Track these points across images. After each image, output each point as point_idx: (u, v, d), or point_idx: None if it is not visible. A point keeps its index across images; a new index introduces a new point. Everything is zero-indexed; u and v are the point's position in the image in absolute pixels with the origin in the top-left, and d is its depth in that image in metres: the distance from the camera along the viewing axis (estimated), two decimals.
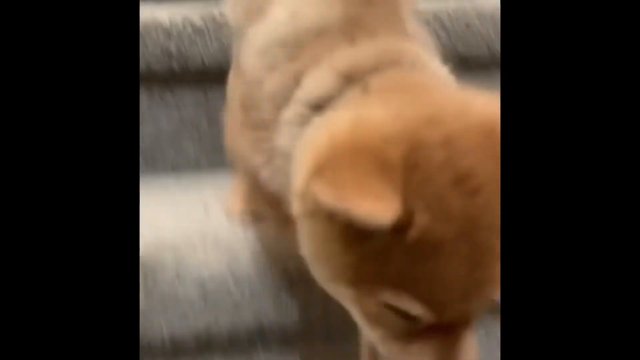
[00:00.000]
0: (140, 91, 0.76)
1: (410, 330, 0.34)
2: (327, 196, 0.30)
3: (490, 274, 0.33)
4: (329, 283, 0.37)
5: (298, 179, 0.36)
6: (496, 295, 0.34)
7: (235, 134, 0.48)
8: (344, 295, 0.36)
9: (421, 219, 0.31)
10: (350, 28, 0.40)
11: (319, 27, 0.41)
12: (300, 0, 0.43)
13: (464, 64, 0.48)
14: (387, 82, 0.38)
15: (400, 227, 0.31)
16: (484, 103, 0.35)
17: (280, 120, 0.40)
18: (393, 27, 0.42)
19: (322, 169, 0.32)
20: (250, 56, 0.43)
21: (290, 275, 0.55)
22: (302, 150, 0.37)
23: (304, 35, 0.41)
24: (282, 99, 0.40)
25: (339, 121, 0.35)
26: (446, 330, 0.34)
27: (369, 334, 0.38)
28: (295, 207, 0.36)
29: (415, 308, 0.32)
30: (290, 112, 0.40)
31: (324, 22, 0.41)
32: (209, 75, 0.78)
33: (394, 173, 0.31)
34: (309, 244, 0.36)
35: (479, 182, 0.32)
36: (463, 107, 0.35)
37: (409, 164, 0.31)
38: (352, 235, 0.32)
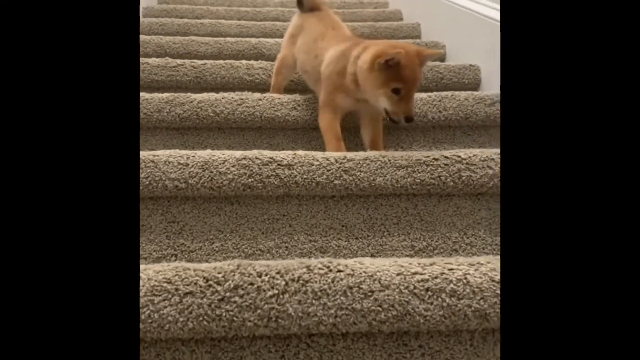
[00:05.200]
0: None
1: (397, 99, 1.03)
2: (379, 60, 1.03)
3: (417, 73, 1.05)
4: (378, 89, 1.05)
5: (364, 64, 1.06)
6: (418, 84, 1.06)
7: (333, 91, 1.16)
8: (378, 93, 1.05)
9: (403, 60, 1.02)
10: (351, 45, 1.16)
11: (344, 49, 1.16)
12: (335, 45, 1.21)
13: None
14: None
15: (398, 62, 1.01)
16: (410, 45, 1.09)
17: (344, 71, 1.13)
18: (356, 39, 1.24)
19: (373, 58, 1.04)
20: (327, 65, 1.18)
21: None
22: (361, 62, 1.07)
23: (343, 52, 1.16)
24: (343, 69, 1.14)
25: (382, 47, 1.07)
26: (406, 97, 1.04)
27: (386, 104, 1.05)
28: (364, 71, 1.06)
29: (400, 85, 1.03)
30: (351, 66, 1.11)
31: (344, 48, 1.16)
32: None
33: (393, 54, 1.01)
34: (370, 80, 1.05)
35: (412, 59, 1.04)
36: (409, 44, 1.11)
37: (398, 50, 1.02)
38: (384, 69, 1.02)
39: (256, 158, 0.95)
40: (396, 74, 1.02)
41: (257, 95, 1.27)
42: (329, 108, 1.16)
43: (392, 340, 0.68)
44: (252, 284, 0.65)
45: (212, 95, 1.25)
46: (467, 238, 0.99)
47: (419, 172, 0.98)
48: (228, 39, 1.78)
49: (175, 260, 0.93)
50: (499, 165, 0.98)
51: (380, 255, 0.97)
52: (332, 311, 0.65)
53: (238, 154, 0.95)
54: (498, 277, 0.68)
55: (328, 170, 0.96)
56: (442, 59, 1.85)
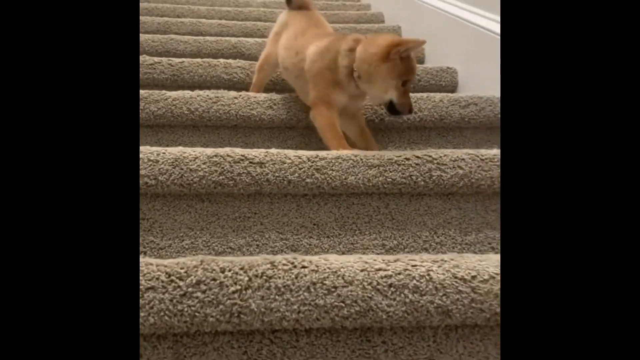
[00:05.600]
0: None
1: (403, 91, 1.07)
2: (398, 49, 1.04)
3: (414, 67, 1.09)
4: (386, 81, 1.06)
5: (374, 53, 1.06)
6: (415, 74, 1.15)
7: (326, 87, 1.14)
8: (390, 85, 1.07)
9: (411, 53, 1.06)
10: (335, 39, 1.17)
11: (328, 44, 1.17)
12: (316, 41, 1.19)
13: None
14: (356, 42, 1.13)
15: (402, 56, 1.04)
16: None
17: (334, 65, 1.13)
18: (338, 33, 1.26)
19: (388, 48, 1.05)
20: (314, 61, 1.17)
21: None
22: (367, 53, 1.08)
23: (327, 47, 1.16)
24: (332, 63, 1.13)
25: (386, 40, 1.07)
26: (408, 89, 1.09)
27: (395, 96, 1.07)
28: (374, 62, 1.06)
29: (410, 77, 1.08)
30: (342, 59, 1.12)
31: (328, 43, 1.17)
32: None
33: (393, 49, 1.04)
34: (381, 71, 1.05)
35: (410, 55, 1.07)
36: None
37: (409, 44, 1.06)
38: (391, 61, 1.04)
39: (228, 155, 0.95)
40: (407, 65, 1.05)
41: (233, 93, 1.27)
42: (324, 105, 1.13)
43: (355, 337, 0.68)
44: (214, 279, 0.65)
45: (187, 93, 1.25)
46: (437, 237, 0.99)
47: (391, 172, 0.98)
48: (208, 37, 1.77)
49: (144, 257, 0.93)
50: (469, 166, 0.99)
51: (351, 254, 0.97)
52: (295, 307, 0.65)
53: (209, 151, 0.95)
54: (461, 274, 0.68)
55: (300, 169, 0.96)
56: (421, 61, 1.87)
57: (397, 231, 0.99)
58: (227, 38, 1.79)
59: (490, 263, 0.70)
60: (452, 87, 1.60)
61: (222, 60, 1.51)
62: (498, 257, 0.72)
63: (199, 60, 1.50)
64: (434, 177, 0.98)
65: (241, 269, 0.66)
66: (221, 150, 0.95)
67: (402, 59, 1.04)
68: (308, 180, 0.96)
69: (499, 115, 1.31)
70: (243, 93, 1.28)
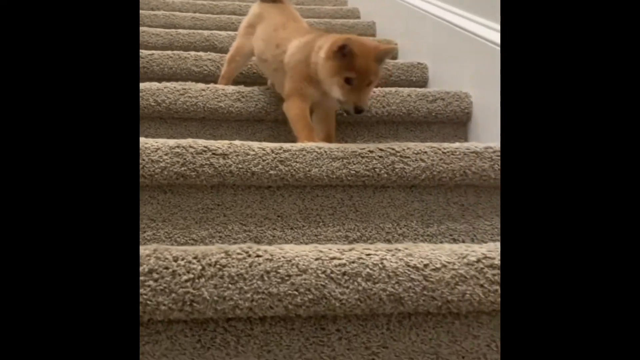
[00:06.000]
0: None
1: (349, 89, 1.06)
2: (332, 48, 1.07)
3: (371, 66, 1.06)
4: (330, 77, 1.07)
5: (323, 53, 1.09)
6: (373, 77, 1.08)
7: (300, 80, 1.15)
8: (332, 82, 1.07)
9: (355, 49, 1.04)
10: (315, 36, 1.18)
11: (309, 40, 1.18)
12: (299, 36, 1.22)
13: None
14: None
15: (351, 52, 1.04)
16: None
17: (309, 60, 1.14)
18: (317, 31, 1.25)
19: (330, 47, 1.07)
20: (292, 55, 1.19)
21: None
22: (321, 52, 1.10)
23: (307, 42, 1.17)
24: (307, 58, 1.14)
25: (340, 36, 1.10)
26: (358, 88, 1.06)
27: (338, 93, 1.07)
28: (321, 60, 1.09)
29: (352, 75, 1.05)
30: (315, 56, 1.12)
31: (308, 39, 1.18)
32: None
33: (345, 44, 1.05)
34: (325, 68, 1.08)
35: (367, 52, 1.06)
36: (365, 38, 1.18)
37: (352, 41, 1.05)
38: (338, 58, 1.05)
39: (190, 146, 0.94)
40: (349, 63, 1.04)
41: (201, 85, 1.26)
42: (298, 97, 1.15)
43: (309, 325, 0.69)
44: (167, 267, 0.65)
45: (154, 85, 1.24)
46: (400, 229, 1.01)
47: (354, 164, 0.99)
48: (180, 30, 1.76)
49: None
50: (432, 158, 1.00)
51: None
52: (249, 295, 0.65)
53: (171, 142, 0.95)
54: (413, 262, 0.69)
55: (264, 161, 0.96)
56: (394, 56, 1.88)
57: (361, 223, 1.00)
58: (200, 31, 1.78)
59: (442, 252, 0.71)
60: (423, 82, 1.62)
61: (192, 52, 1.50)
62: (451, 246, 0.74)
63: (169, 52, 1.49)
64: (396, 170, 0.99)
65: (194, 257, 0.66)
66: (183, 141, 0.95)
67: (343, 57, 1.04)
68: (272, 172, 0.96)
69: (466, 110, 1.33)
70: (211, 85, 1.28)
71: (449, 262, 0.70)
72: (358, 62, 1.04)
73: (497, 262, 0.71)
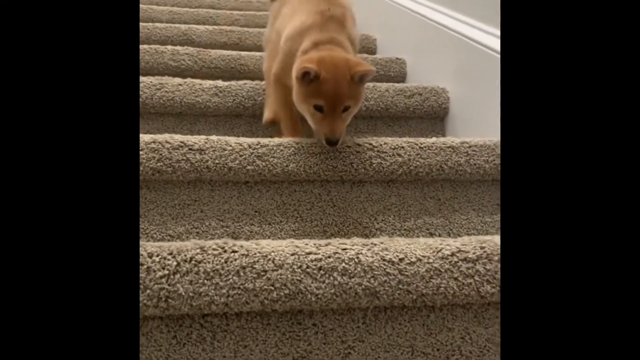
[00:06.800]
0: None
1: (320, 117, 0.94)
2: (298, 77, 0.93)
3: (345, 90, 0.93)
4: (300, 104, 0.97)
5: (294, 71, 0.96)
6: (348, 102, 0.95)
7: (281, 74, 1.06)
8: (303, 107, 0.97)
9: (323, 73, 0.91)
10: (319, 27, 1.01)
11: (308, 26, 1.02)
12: (300, 17, 1.05)
13: None
14: (325, 47, 0.99)
15: (318, 76, 0.91)
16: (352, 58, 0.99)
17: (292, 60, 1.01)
18: (339, 29, 1.04)
19: (301, 65, 0.92)
20: (286, 42, 1.05)
21: None
22: (294, 67, 0.97)
23: (303, 29, 1.03)
24: (295, 52, 1.01)
25: (309, 55, 0.96)
26: (330, 116, 0.94)
27: (310, 122, 0.97)
28: (294, 80, 0.96)
29: (321, 102, 0.93)
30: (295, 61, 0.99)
31: (309, 24, 1.02)
32: None
33: (317, 64, 0.91)
34: (295, 92, 0.97)
35: (338, 74, 0.93)
36: (340, 56, 0.96)
37: (320, 62, 0.92)
38: (305, 83, 0.93)
39: (166, 142, 0.93)
40: (317, 89, 0.91)
41: (178, 80, 1.25)
42: (282, 84, 1.06)
43: (286, 319, 0.69)
44: (142, 264, 0.64)
45: None
46: (377, 223, 1.01)
47: (332, 159, 0.99)
48: (157, 24, 1.74)
49: None
50: (409, 153, 1.01)
51: None
52: (224, 291, 0.65)
53: (147, 137, 0.93)
54: (389, 257, 0.70)
55: (241, 156, 0.96)
56: (373, 51, 1.89)
57: (339, 218, 1.01)
58: (177, 25, 1.76)
59: (418, 246, 0.72)
60: (401, 78, 1.63)
61: (169, 47, 1.48)
62: (426, 240, 0.74)
63: (145, 46, 1.47)
64: (374, 165, 1.00)
65: (169, 254, 0.66)
66: (159, 137, 0.94)
67: (310, 82, 0.92)
68: (249, 167, 0.96)
69: (443, 105, 1.35)
70: (188, 80, 1.27)
71: (423, 256, 0.71)
72: (326, 88, 0.91)
73: (471, 255, 0.72)
